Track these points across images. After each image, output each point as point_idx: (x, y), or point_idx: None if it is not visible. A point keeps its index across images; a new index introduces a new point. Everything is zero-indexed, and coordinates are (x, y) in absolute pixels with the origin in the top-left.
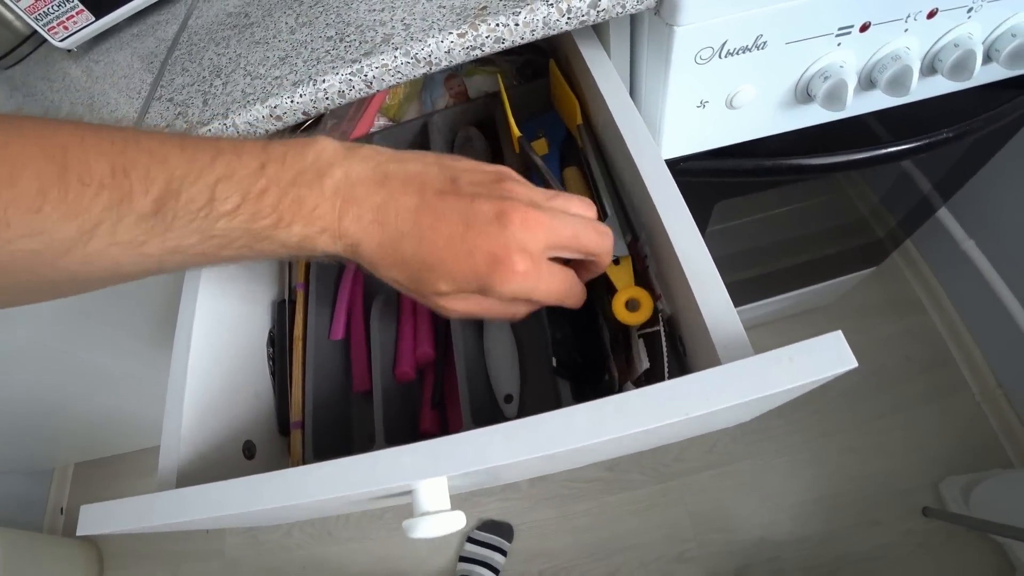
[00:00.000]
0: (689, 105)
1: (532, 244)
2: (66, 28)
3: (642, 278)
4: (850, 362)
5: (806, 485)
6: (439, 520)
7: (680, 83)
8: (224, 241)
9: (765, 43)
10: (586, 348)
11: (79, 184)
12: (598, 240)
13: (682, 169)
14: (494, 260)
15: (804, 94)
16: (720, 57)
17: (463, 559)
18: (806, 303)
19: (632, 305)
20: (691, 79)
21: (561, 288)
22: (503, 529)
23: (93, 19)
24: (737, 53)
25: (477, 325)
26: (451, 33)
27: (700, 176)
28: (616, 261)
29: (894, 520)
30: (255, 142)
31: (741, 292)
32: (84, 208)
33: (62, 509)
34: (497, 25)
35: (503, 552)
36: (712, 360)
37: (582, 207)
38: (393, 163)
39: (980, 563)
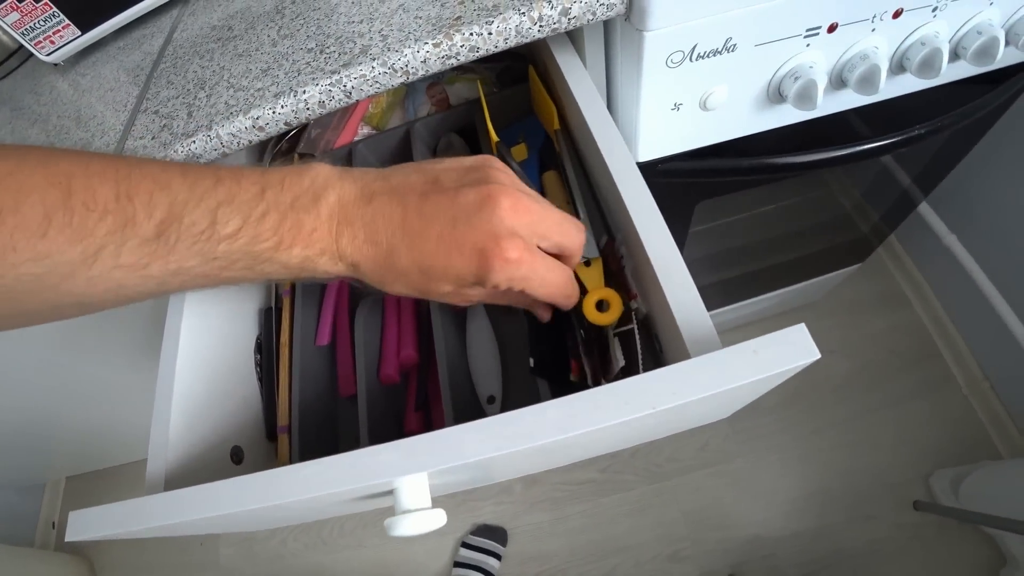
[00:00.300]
0: (664, 108)
1: (521, 229)
2: (52, 42)
3: (618, 278)
4: (813, 354)
5: (798, 481)
6: (419, 518)
7: (653, 86)
8: (225, 263)
9: (735, 46)
10: (562, 348)
11: (84, 209)
12: (576, 236)
13: (661, 171)
14: (483, 252)
15: (776, 94)
16: (691, 60)
17: (458, 564)
18: (794, 300)
19: (602, 306)
20: (664, 82)
21: (557, 283)
22: (497, 533)
23: (79, 33)
24: (708, 56)
25: (460, 328)
26: (427, 43)
27: (680, 177)
28: (587, 263)
29: (886, 514)
30: (254, 169)
31: (729, 291)
32: (88, 232)
33: (53, 523)
34: (471, 34)
35: (498, 556)
36: (683, 355)
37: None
38: (378, 180)
39: (972, 554)
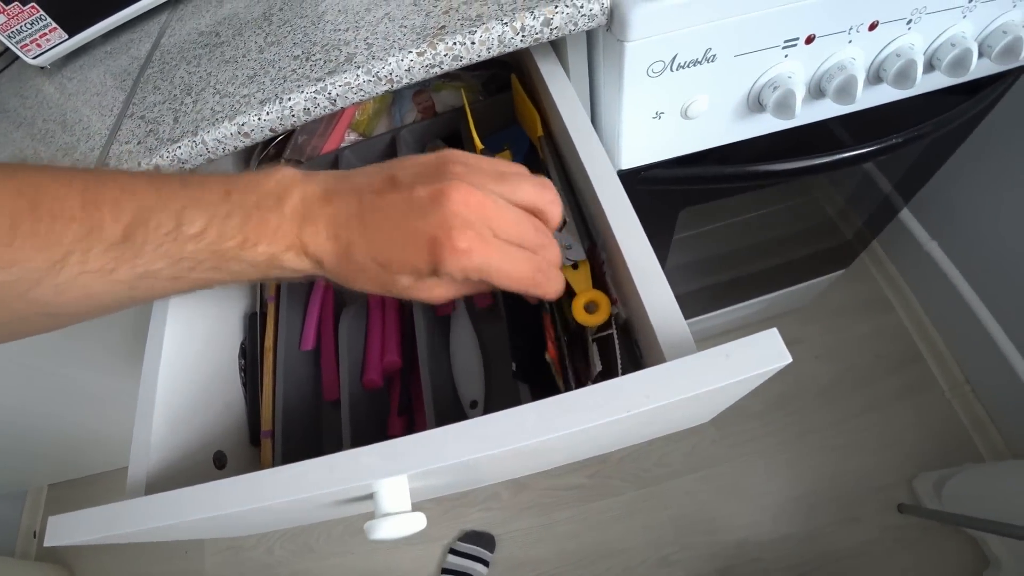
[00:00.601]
0: (645, 116)
1: (475, 221)
2: (39, 45)
3: (599, 283)
4: (784, 358)
5: (785, 485)
6: (399, 521)
7: (635, 95)
8: (192, 263)
9: (715, 56)
10: (543, 352)
11: (50, 217)
12: (533, 235)
13: (644, 178)
14: (434, 241)
15: (756, 104)
16: (672, 70)
17: (445, 571)
18: (780, 306)
19: (591, 308)
20: (645, 91)
21: (519, 275)
22: (484, 539)
23: (66, 37)
24: (688, 66)
25: (443, 333)
26: (411, 52)
27: (662, 184)
28: (574, 265)
29: (872, 516)
30: (220, 174)
31: (714, 297)
32: (55, 239)
33: (35, 532)
34: (454, 44)
35: (485, 563)
36: (659, 360)
37: (535, 190)
38: (340, 180)
39: (956, 556)
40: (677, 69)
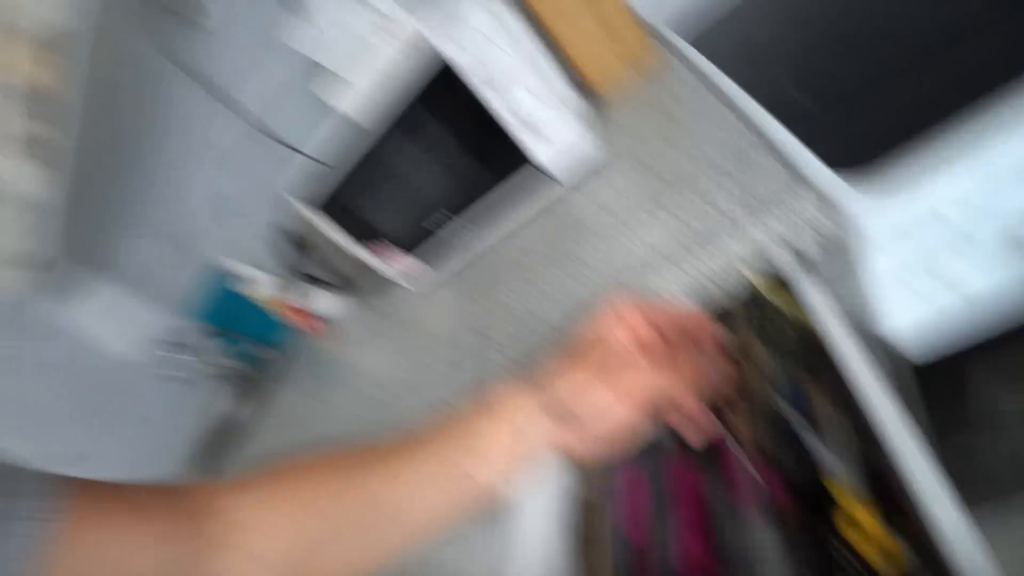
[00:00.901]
0: (898, 291)
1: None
2: (413, 276)
3: (900, 519)
4: None
5: None
6: None
7: (878, 279)
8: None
9: (964, 229)
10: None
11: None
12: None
13: (934, 370)
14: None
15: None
16: (906, 241)
17: None
18: None
19: (876, 545)
20: (890, 267)
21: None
22: None
23: (431, 270)
24: (923, 234)
25: (747, 529)
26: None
27: (959, 369)
28: (859, 501)
29: None
30: None
31: None
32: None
33: None
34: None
35: None
36: None
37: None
38: None
39: None
40: (912, 239)
